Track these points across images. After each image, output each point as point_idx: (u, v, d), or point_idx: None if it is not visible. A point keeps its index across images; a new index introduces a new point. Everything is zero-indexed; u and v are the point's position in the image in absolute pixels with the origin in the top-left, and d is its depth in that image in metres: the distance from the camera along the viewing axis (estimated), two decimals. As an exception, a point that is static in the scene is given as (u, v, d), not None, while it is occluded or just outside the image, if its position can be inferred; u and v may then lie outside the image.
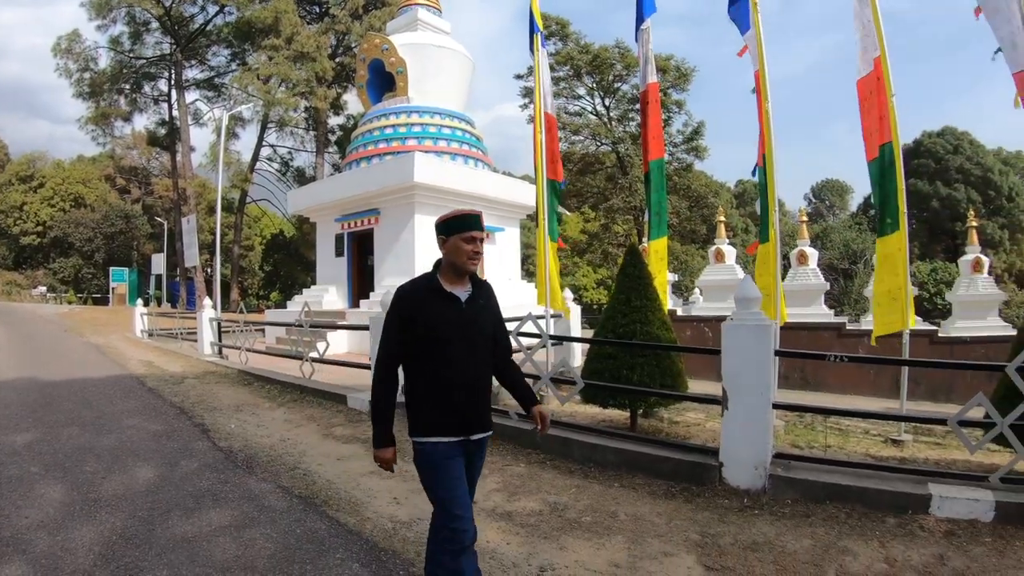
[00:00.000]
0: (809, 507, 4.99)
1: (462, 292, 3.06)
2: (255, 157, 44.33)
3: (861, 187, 69.67)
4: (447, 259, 3.06)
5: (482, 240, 3.07)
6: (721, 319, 13.21)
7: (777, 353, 5.57)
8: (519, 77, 38.33)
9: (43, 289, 48.42)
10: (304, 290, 21.78)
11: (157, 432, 7.69)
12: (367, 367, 9.39)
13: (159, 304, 44.04)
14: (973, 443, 5.12)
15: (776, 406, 5.56)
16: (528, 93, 36.95)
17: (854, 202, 69.82)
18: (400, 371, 3.13)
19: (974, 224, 13.90)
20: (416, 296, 3.01)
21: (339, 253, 19.56)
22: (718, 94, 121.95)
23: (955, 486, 4.90)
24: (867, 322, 13.79)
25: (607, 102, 38.12)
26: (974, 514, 4.66)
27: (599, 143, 38.07)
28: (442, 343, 2.97)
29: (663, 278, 9.25)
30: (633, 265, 7.42)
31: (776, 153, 8.25)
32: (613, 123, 38.00)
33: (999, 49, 7.35)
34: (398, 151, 17.86)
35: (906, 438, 7.77)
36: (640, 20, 9.77)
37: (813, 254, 15.09)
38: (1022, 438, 4.76)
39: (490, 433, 3.21)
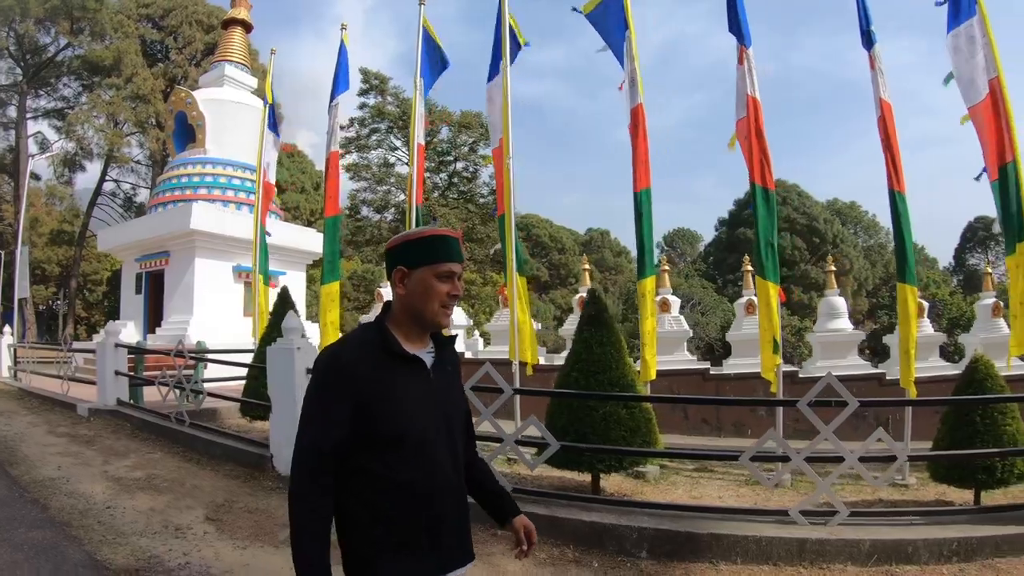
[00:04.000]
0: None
1: (425, 354, 2.00)
2: (97, 191, 44.67)
3: (708, 235, 71.84)
4: (406, 304, 1.96)
5: (461, 278, 2.03)
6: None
7: (309, 371, 7.34)
8: (342, 127, 40.19)
9: None
10: (109, 324, 23.49)
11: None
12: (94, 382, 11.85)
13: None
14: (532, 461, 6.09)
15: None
16: (348, 143, 39.58)
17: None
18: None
19: (833, 268, 13.72)
20: (366, 365, 1.87)
21: (138, 291, 21.30)
22: (587, 145, 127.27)
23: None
24: (728, 365, 13.70)
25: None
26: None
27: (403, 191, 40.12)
28: (414, 436, 1.89)
29: (334, 317, 11.22)
30: (282, 304, 10.39)
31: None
32: (425, 175, 40.15)
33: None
34: (190, 199, 19.83)
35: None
36: (332, 97, 11.95)
37: (675, 301, 14.44)
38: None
39: (472, 563, 2.09)
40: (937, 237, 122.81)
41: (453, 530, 1.97)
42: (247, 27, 25.36)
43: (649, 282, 8.77)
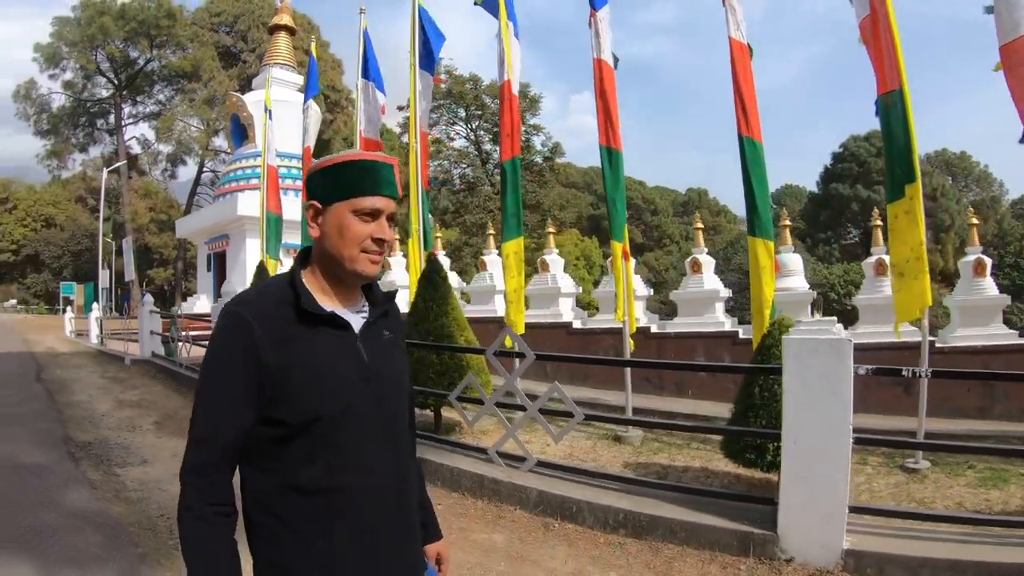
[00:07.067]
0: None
1: (352, 315, 1.51)
2: (196, 181, 50.27)
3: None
4: (321, 249, 1.49)
5: (392, 219, 1.51)
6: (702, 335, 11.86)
7: (155, 313, 10.61)
8: (400, 108, 42.93)
9: (13, 301, 54.10)
10: (188, 298, 27.70)
11: (18, 372, 13.77)
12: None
13: (109, 313, 49.58)
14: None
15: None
16: (406, 122, 42.29)
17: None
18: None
19: (975, 222, 11.12)
20: (275, 326, 1.39)
21: (208, 269, 25.20)
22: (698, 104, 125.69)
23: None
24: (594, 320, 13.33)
25: (472, 125, 42.33)
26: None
27: (466, 166, 42.71)
28: (334, 425, 1.39)
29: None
30: (259, 275, 13.26)
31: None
32: (485, 146, 42.47)
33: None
34: (244, 189, 23.14)
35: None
36: (305, 100, 14.05)
37: (709, 262, 13.10)
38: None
39: None
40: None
41: (399, 550, 1.49)
42: (291, 31, 28.52)
43: (513, 244, 8.76)
